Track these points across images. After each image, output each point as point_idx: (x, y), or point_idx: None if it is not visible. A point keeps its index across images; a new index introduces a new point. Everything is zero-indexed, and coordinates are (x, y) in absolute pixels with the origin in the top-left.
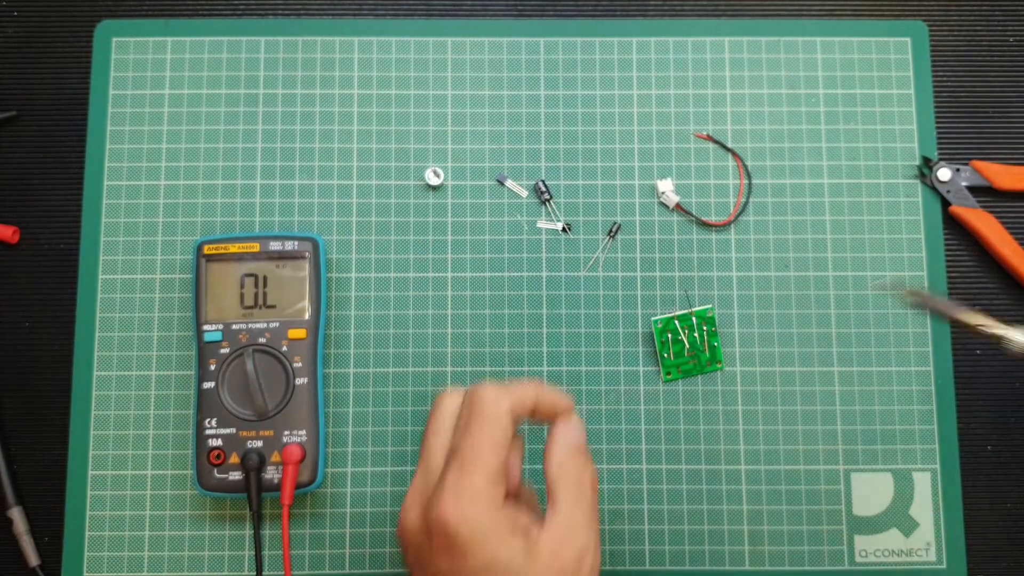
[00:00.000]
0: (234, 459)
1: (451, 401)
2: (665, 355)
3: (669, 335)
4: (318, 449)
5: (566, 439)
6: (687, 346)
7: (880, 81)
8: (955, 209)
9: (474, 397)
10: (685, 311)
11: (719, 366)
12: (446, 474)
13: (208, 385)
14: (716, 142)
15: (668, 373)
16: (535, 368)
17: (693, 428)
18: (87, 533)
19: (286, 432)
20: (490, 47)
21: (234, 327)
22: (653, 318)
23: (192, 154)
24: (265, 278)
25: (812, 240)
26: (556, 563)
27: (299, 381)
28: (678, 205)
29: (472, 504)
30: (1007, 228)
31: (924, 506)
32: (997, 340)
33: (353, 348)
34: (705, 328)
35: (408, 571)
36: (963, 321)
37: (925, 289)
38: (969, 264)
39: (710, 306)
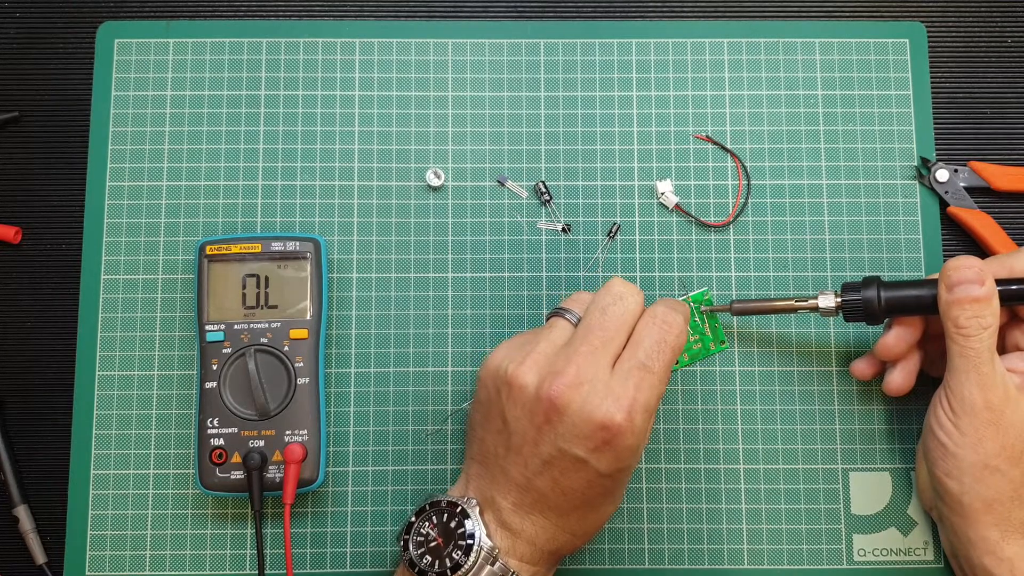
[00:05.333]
0: (236, 458)
1: (636, 303)
2: None
3: None
4: (319, 448)
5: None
6: (689, 330)
7: (878, 82)
8: (953, 210)
9: (674, 324)
10: (683, 296)
11: (724, 346)
12: (627, 388)
13: (210, 385)
14: (715, 143)
15: (676, 360)
16: None
17: (692, 428)
18: (89, 532)
19: (287, 431)
20: (490, 49)
21: (236, 327)
22: None
23: (194, 155)
24: (267, 278)
25: (811, 241)
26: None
27: (301, 381)
28: (677, 206)
29: (643, 418)
30: (1005, 229)
31: (921, 504)
32: (815, 309)
33: (354, 348)
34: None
35: (485, 409)
36: (785, 307)
37: (740, 299)
38: None
39: (706, 288)
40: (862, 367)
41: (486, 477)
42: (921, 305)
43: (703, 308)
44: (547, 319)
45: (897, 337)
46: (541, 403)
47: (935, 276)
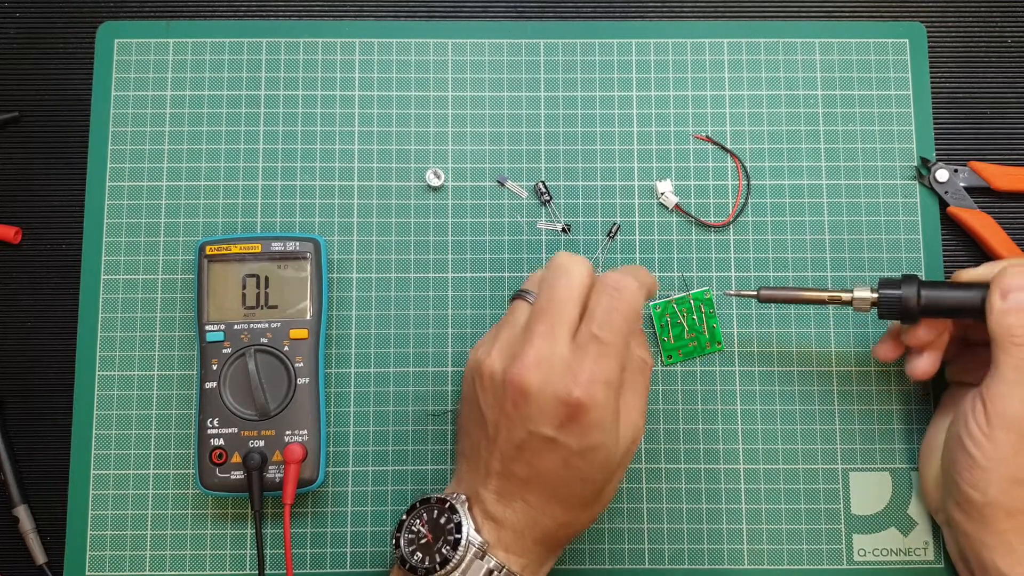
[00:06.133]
0: (236, 458)
1: (581, 273)
2: (665, 338)
3: (668, 319)
4: (319, 448)
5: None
6: (686, 328)
7: (878, 82)
8: (953, 210)
9: (625, 289)
10: (683, 294)
11: (719, 347)
12: (584, 362)
13: (210, 385)
14: (715, 143)
15: (669, 356)
16: None
17: (692, 427)
18: (89, 532)
19: (287, 431)
20: (490, 49)
21: (236, 327)
22: (652, 303)
23: (194, 155)
24: (267, 278)
25: (811, 241)
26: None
27: (301, 381)
28: (677, 206)
29: (605, 390)
30: (1005, 229)
31: (922, 505)
32: (850, 302)
33: (354, 348)
34: (703, 310)
35: (474, 403)
36: (815, 298)
37: (770, 286)
38: (967, 265)
39: (707, 288)
40: (887, 350)
41: (472, 471)
42: (962, 308)
43: (729, 293)
44: (509, 303)
45: (928, 329)
46: (507, 388)
47: (977, 279)
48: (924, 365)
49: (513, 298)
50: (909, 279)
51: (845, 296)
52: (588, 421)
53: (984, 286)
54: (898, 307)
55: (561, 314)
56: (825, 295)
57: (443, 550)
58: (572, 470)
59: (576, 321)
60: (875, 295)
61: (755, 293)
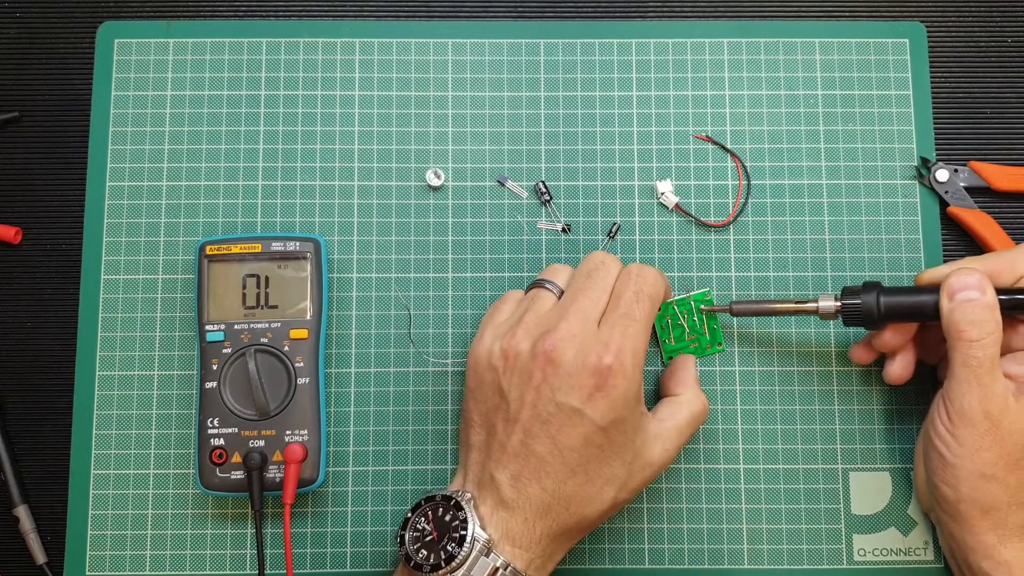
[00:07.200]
0: (236, 458)
1: (617, 268)
2: (666, 340)
3: (668, 320)
4: (320, 448)
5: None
6: (687, 330)
7: (878, 82)
8: (953, 210)
9: (647, 276)
10: (683, 295)
11: (719, 348)
12: (613, 334)
13: (210, 385)
14: (715, 143)
15: (669, 357)
16: None
17: None
18: (89, 532)
19: (288, 431)
20: (490, 49)
21: (236, 327)
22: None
23: (194, 155)
24: (267, 278)
25: (811, 241)
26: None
27: (301, 381)
28: (677, 206)
29: (632, 361)
30: (1005, 229)
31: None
32: (816, 311)
33: (354, 348)
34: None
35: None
36: (781, 309)
37: (741, 300)
38: None
39: (708, 289)
40: (860, 353)
41: (485, 459)
42: (921, 312)
43: (702, 308)
44: (527, 291)
45: (894, 333)
46: (537, 360)
47: (934, 280)
48: (897, 369)
49: (532, 286)
50: (870, 286)
51: (810, 306)
52: (616, 392)
53: (939, 289)
54: (860, 314)
55: (596, 299)
56: (792, 306)
57: (448, 547)
58: (592, 447)
59: (604, 308)
60: (839, 303)
61: (727, 308)
